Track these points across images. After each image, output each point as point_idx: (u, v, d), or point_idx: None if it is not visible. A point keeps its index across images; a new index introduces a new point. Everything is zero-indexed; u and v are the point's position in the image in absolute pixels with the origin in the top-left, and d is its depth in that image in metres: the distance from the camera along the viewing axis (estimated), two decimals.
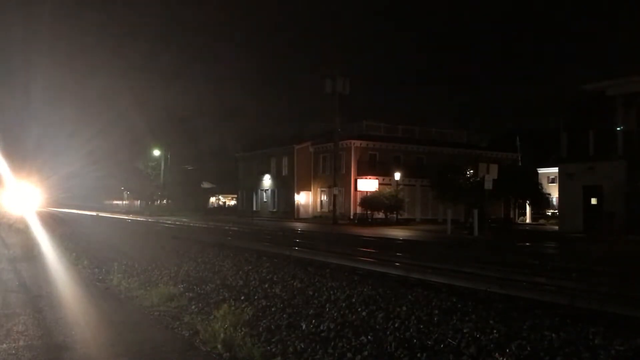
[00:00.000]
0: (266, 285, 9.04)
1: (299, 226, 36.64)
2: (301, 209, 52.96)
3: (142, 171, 73.51)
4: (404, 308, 6.88)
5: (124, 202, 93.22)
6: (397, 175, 43.68)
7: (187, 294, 8.92)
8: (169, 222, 38.82)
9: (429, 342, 5.59)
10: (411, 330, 5.99)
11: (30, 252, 15.05)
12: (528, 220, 44.15)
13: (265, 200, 58.50)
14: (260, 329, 6.58)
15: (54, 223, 27.32)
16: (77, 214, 51.11)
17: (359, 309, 6.99)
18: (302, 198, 53.09)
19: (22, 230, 21.40)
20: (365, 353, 5.48)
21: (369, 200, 43.59)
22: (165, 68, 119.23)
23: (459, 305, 6.86)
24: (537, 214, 45.33)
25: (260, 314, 7.25)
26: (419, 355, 5.30)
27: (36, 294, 9.18)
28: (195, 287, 9.39)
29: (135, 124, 63.74)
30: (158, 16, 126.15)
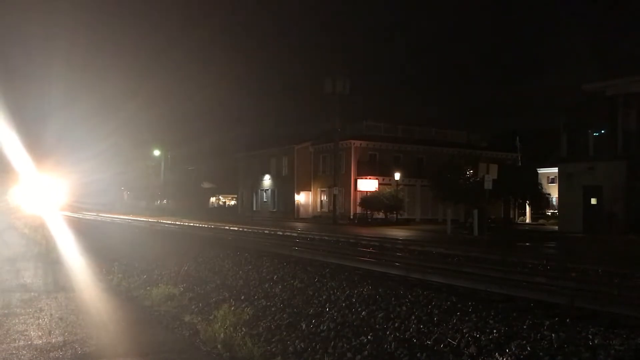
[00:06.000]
0: (266, 285, 9.04)
1: (299, 226, 36.63)
2: (301, 209, 52.96)
3: (143, 171, 73.58)
4: (404, 308, 6.87)
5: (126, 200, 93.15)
6: (397, 175, 43.67)
7: (187, 293, 8.93)
8: (168, 222, 38.80)
9: (429, 342, 5.59)
10: (411, 330, 5.99)
11: (31, 251, 15.06)
12: (528, 220, 44.14)
13: (265, 200, 58.50)
14: (261, 328, 6.59)
15: (58, 223, 27.29)
16: (78, 215, 51.06)
17: (359, 309, 6.98)
18: (302, 198, 53.08)
19: (28, 229, 21.42)
20: (365, 353, 5.49)
21: (369, 200, 43.58)
22: (168, 69, 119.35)
23: (459, 305, 6.86)
24: (537, 214, 45.31)
25: (261, 313, 7.26)
26: (419, 355, 5.30)
27: (36, 294, 9.18)
28: (195, 287, 9.40)
29: (140, 124, 64.00)
30: (162, 20, 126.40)
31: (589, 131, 29.09)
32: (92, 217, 44.44)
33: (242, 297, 8.30)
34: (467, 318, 6.21)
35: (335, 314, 6.91)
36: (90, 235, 21.02)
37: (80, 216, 43.66)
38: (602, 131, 29.07)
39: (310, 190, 52.80)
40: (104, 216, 47.99)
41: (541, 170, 47.08)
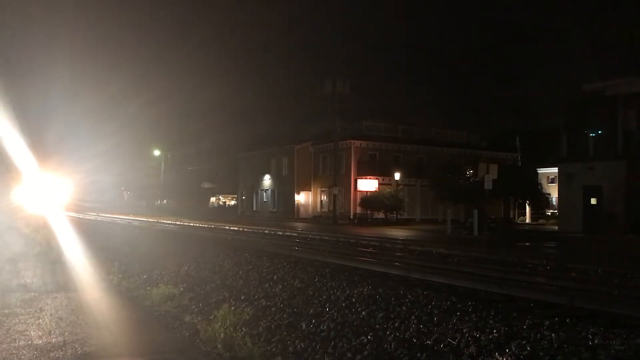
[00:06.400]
0: (266, 285, 9.04)
1: (299, 226, 36.64)
2: (301, 209, 52.96)
3: (144, 171, 73.71)
4: (404, 308, 6.87)
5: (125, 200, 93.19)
6: (397, 175, 43.67)
7: (187, 293, 8.93)
8: (169, 222, 38.81)
9: (429, 342, 5.59)
10: (411, 330, 5.99)
11: (31, 251, 15.06)
12: (528, 220, 44.13)
13: (265, 200, 58.52)
14: (261, 328, 6.59)
15: (59, 223, 27.26)
16: (79, 215, 51.05)
17: (359, 309, 6.98)
18: (302, 198, 53.08)
19: (29, 229, 21.42)
20: (365, 353, 5.49)
21: (369, 200, 43.59)
22: (169, 69, 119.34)
23: (459, 305, 6.86)
24: (537, 214, 45.30)
25: (261, 313, 7.26)
26: (418, 355, 5.30)
27: (36, 294, 9.18)
28: (195, 287, 9.41)
29: (141, 125, 64.03)
30: (164, 19, 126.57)
31: (588, 131, 29.09)
32: (92, 217, 44.44)
33: (242, 297, 8.31)
34: (467, 318, 6.21)
35: (335, 314, 6.91)
36: (90, 235, 21.02)
37: (81, 216, 43.68)
38: (601, 131, 29.07)
39: (310, 190, 52.80)
40: (104, 216, 48.00)
41: (541, 170, 47.08)
